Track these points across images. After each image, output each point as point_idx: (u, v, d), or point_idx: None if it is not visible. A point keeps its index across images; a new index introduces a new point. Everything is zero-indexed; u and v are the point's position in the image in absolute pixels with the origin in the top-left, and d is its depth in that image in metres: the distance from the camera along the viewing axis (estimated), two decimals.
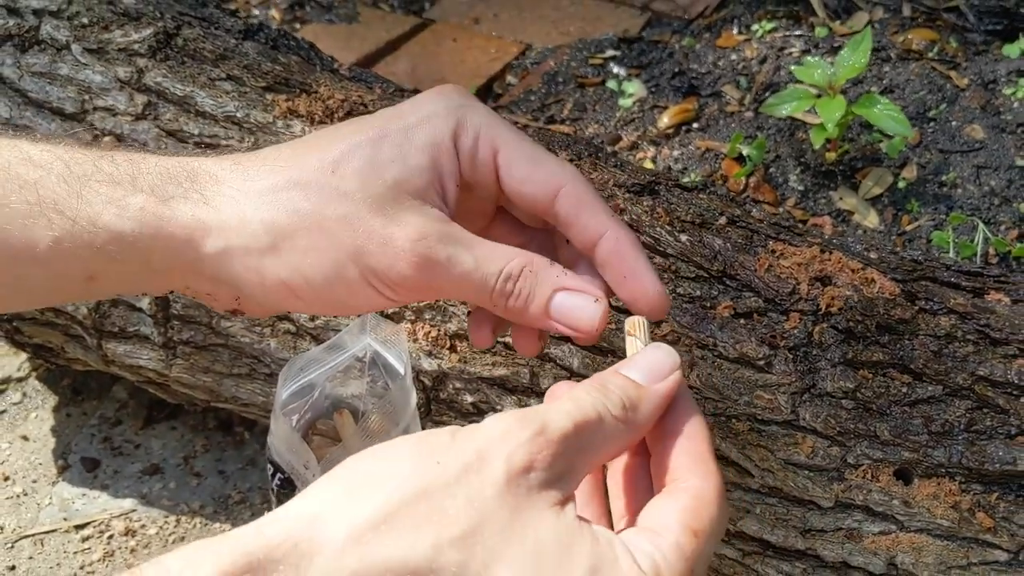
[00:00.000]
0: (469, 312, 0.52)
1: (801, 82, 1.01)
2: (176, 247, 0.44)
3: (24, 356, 0.88)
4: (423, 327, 0.62)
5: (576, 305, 0.45)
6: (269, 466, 0.60)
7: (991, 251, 0.93)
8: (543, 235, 0.50)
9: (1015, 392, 0.57)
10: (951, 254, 0.93)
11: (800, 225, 0.68)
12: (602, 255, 0.46)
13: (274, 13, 1.42)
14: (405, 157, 0.45)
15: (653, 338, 0.51)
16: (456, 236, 0.44)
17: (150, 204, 0.43)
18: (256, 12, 1.42)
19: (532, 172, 0.46)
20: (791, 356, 0.58)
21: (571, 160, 0.66)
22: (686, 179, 0.64)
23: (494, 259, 0.45)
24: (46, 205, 0.42)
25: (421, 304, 0.62)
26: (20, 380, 0.88)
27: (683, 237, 0.62)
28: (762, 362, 0.58)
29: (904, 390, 0.57)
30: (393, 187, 0.44)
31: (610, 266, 0.46)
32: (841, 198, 1.02)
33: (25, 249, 0.42)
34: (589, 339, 0.46)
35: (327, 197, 0.44)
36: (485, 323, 0.50)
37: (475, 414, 0.63)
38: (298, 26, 1.40)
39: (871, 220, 0.99)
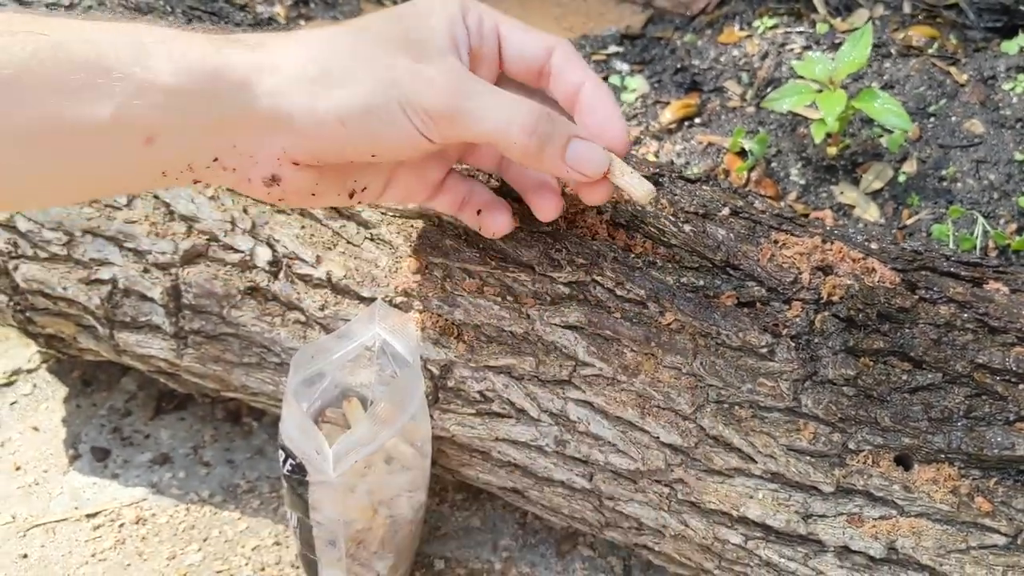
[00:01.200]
0: (479, 211, 0.60)
1: (802, 77, 1.02)
2: (233, 90, 0.47)
3: (34, 348, 0.89)
4: (431, 316, 0.63)
5: (588, 151, 0.52)
6: (280, 452, 0.61)
7: (990, 244, 0.94)
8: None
9: (1013, 379, 0.58)
10: (951, 247, 0.94)
11: (802, 217, 0.69)
12: (583, 99, 0.54)
13: (279, 8, 1.43)
14: (424, 27, 0.50)
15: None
16: (478, 82, 0.50)
17: (207, 54, 0.47)
18: (261, 8, 1.43)
19: (528, 38, 0.54)
20: (793, 344, 0.59)
21: None
22: (689, 173, 0.65)
23: (519, 103, 0.50)
24: (107, 75, 0.45)
25: (430, 294, 0.63)
26: (30, 372, 0.89)
27: (686, 227, 0.63)
28: (764, 350, 0.59)
29: (904, 377, 0.58)
30: (420, 41, 0.50)
31: (587, 106, 0.54)
32: (842, 192, 1.03)
33: (88, 121, 0.45)
34: (599, 191, 0.55)
35: (363, 43, 0.49)
36: (501, 209, 0.58)
37: (482, 402, 0.64)
38: (302, 22, 1.40)
39: (871, 214, 1.00)
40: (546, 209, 0.58)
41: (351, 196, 0.56)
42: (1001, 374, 0.58)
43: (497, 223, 0.59)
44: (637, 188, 0.54)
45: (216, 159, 0.50)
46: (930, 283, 0.61)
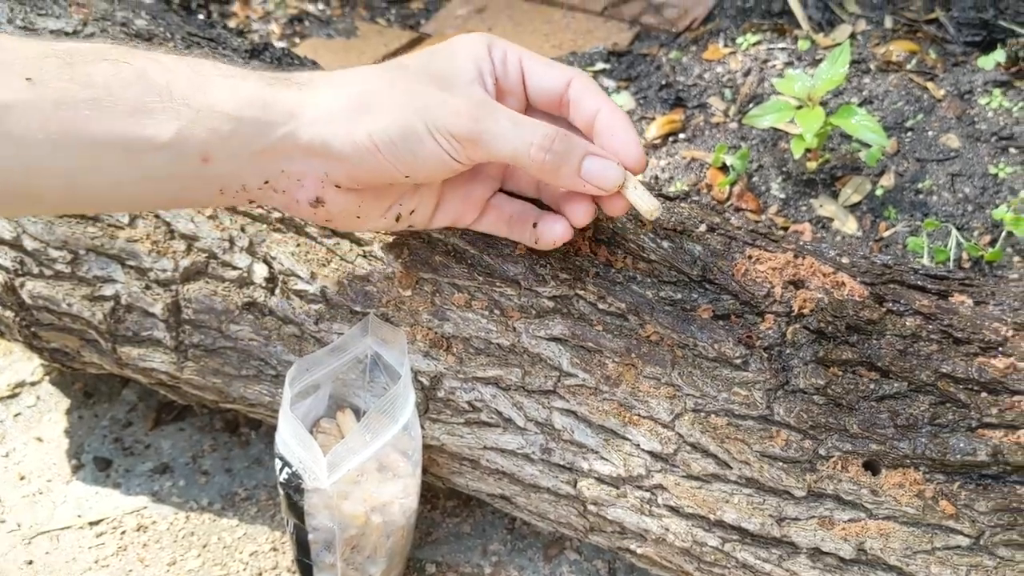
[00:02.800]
0: (535, 224, 0.63)
1: (783, 94, 1.05)
2: (281, 120, 0.54)
3: (38, 361, 0.92)
4: (421, 330, 0.66)
5: (602, 166, 0.57)
6: (277, 461, 0.64)
7: (964, 256, 0.97)
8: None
9: (976, 388, 0.61)
10: (925, 259, 0.97)
11: (776, 232, 0.72)
12: (600, 123, 0.58)
13: (274, 27, 1.46)
14: (453, 63, 0.56)
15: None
16: (500, 108, 0.55)
17: (259, 89, 0.54)
18: (256, 27, 1.46)
19: (549, 71, 0.59)
20: (766, 355, 0.62)
21: None
22: (672, 188, 0.68)
23: (536, 125, 0.55)
24: (176, 101, 0.52)
25: (421, 308, 0.66)
26: (34, 384, 0.92)
27: (665, 244, 0.66)
28: (739, 361, 0.62)
29: (872, 386, 0.61)
30: (448, 74, 0.56)
31: (604, 130, 0.58)
32: (821, 205, 1.06)
33: (155, 139, 0.52)
34: (616, 204, 0.59)
35: (398, 78, 0.55)
36: (556, 218, 0.63)
37: (471, 411, 0.67)
38: (298, 40, 1.43)
39: (850, 226, 1.03)
40: (580, 215, 0.61)
41: (397, 220, 0.61)
42: (964, 383, 0.61)
43: (555, 232, 0.63)
44: (644, 203, 0.59)
45: (267, 181, 0.56)
46: (897, 296, 0.64)
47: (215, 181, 0.55)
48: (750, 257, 0.65)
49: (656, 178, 1.10)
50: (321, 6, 1.49)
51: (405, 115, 0.54)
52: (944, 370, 0.61)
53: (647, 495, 0.65)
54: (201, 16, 1.44)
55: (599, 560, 0.79)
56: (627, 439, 0.64)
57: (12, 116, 0.49)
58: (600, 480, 0.66)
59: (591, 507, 0.67)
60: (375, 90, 0.55)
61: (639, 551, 0.68)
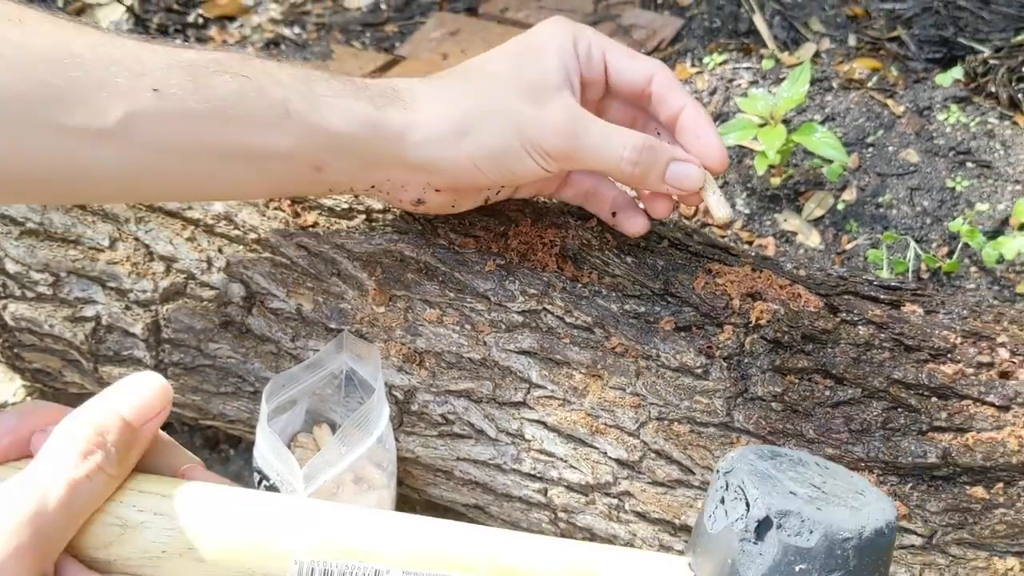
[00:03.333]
0: (614, 213, 0.69)
1: (746, 113, 1.09)
2: (389, 141, 0.59)
3: (19, 381, 0.93)
4: (394, 345, 0.68)
5: (685, 170, 0.61)
6: (255, 474, 0.65)
7: (923, 267, 1.01)
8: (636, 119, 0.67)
9: (926, 393, 0.64)
10: (885, 271, 1.00)
11: (739, 246, 0.74)
12: (684, 121, 0.62)
13: (250, 51, 1.48)
14: (543, 63, 0.60)
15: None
16: (590, 119, 0.60)
17: (369, 111, 0.58)
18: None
19: (632, 65, 0.62)
20: (725, 364, 0.65)
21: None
22: (640, 205, 0.71)
23: (623, 136, 0.60)
24: (292, 118, 0.57)
25: (394, 324, 0.68)
26: (15, 405, 0.93)
27: (628, 259, 0.69)
28: (700, 370, 0.65)
29: (827, 393, 0.64)
30: (538, 82, 0.59)
31: (689, 129, 0.62)
32: (785, 220, 1.09)
33: (274, 151, 0.57)
34: (693, 199, 0.64)
35: (491, 94, 0.59)
36: (637, 211, 0.67)
37: (444, 424, 0.69)
38: None
39: (813, 240, 1.06)
40: (660, 209, 0.66)
41: (486, 202, 0.68)
42: (915, 388, 0.64)
43: (635, 224, 0.67)
44: (718, 209, 0.63)
45: (373, 186, 0.63)
46: (851, 306, 0.67)
47: (326, 183, 0.62)
48: (710, 271, 0.68)
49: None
50: (297, 30, 1.52)
51: (503, 136, 0.59)
52: (896, 376, 0.64)
53: (615, 502, 0.67)
54: (179, 40, 1.46)
55: None
56: (595, 447, 0.66)
57: (140, 126, 0.53)
58: (570, 488, 0.68)
59: (562, 515, 0.69)
60: (471, 109, 0.59)
61: None
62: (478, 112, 0.59)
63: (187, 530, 0.42)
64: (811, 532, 0.41)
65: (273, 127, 0.56)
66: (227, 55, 0.57)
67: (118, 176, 0.55)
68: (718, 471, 0.45)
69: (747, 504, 0.42)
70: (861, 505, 0.43)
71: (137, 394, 0.45)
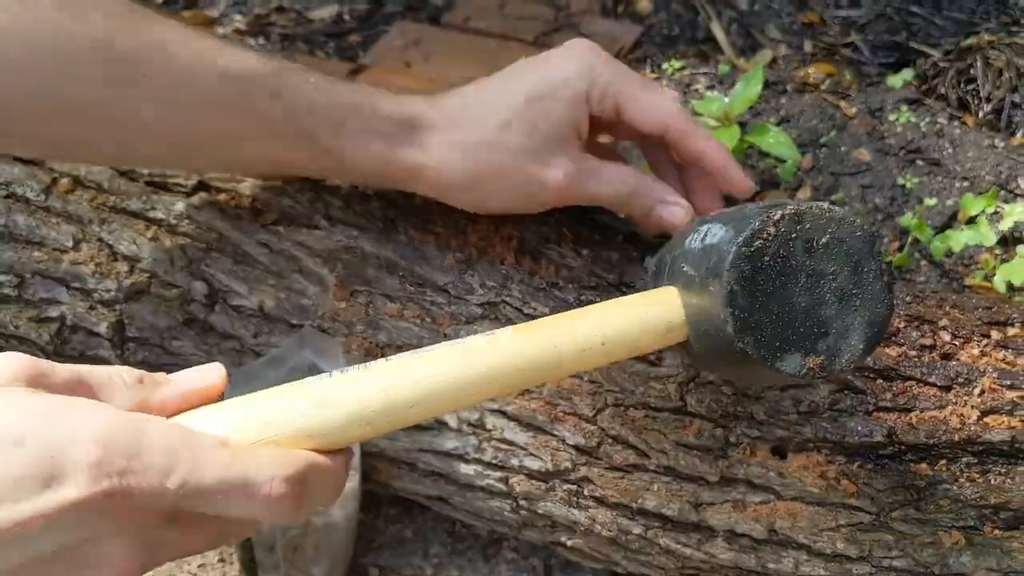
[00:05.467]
0: None
1: (702, 115, 1.11)
2: (400, 179, 0.66)
3: None
4: (356, 339, 0.70)
5: (671, 211, 0.66)
6: None
7: None
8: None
9: (871, 375, 0.66)
10: None
11: None
12: (709, 165, 0.66)
13: (288, 64, 1.49)
14: (554, 116, 0.63)
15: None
16: (588, 169, 0.65)
17: (385, 150, 0.64)
18: None
19: (644, 117, 0.65)
20: (678, 351, 0.66)
21: None
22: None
23: (614, 182, 0.66)
24: (318, 147, 0.64)
25: (354, 319, 0.70)
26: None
27: (585, 252, 0.71)
28: (654, 357, 0.66)
29: None
30: (546, 139, 0.63)
31: (718, 171, 0.67)
32: None
33: (300, 168, 0.69)
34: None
35: (501, 153, 0.63)
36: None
37: None
38: None
39: None
40: (707, 202, 0.70)
41: None
42: (860, 371, 0.66)
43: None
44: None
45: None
46: None
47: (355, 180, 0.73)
48: None
49: None
50: (262, 40, 1.53)
51: (507, 192, 0.65)
52: None
53: (574, 487, 0.69)
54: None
55: (535, 558, 0.83)
56: (554, 435, 0.68)
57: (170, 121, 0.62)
58: (530, 476, 0.69)
59: (523, 502, 0.71)
60: (484, 169, 0.64)
61: (570, 544, 0.72)
62: (488, 171, 0.64)
63: None
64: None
65: (301, 149, 0.64)
66: (264, 64, 0.62)
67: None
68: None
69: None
70: None
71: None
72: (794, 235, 0.49)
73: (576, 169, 0.64)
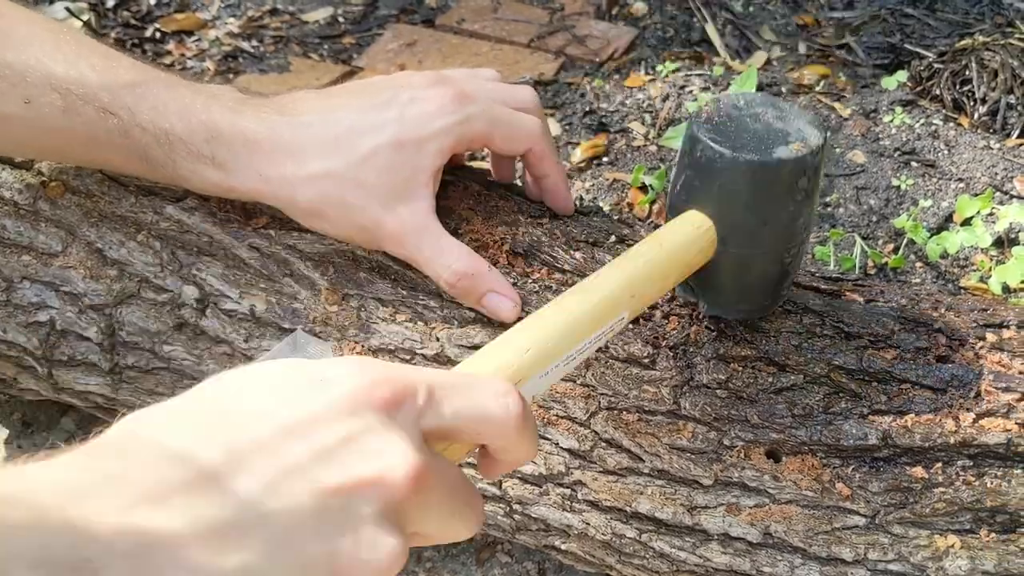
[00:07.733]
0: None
1: None
2: (245, 200, 0.69)
3: None
4: (348, 344, 0.69)
5: (501, 303, 0.66)
6: None
7: (870, 263, 1.03)
8: None
9: (866, 378, 0.66)
10: (832, 267, 1.02)
11: None
12: (547, 187, 0.72)
13: (209, 65, 1.49)
14: (415, 165, 0.64)
15: None
16: (427, 231, 0.65)
17: (220, 178, 0.65)
18: (191, 64, 1.49)
19: (510, 145, 0.68)
20: (672, 354, 0.66)
21: (481, 192, 0.74)
22: (595, 207, 0.73)
23: (450, 258, 0.65)
24: (155, 167, 0.66)
25: (346, 323, 0.69)
26: None
27: (577, 255, 0.70)
28: (647, 360, 0.66)
29: (770, 380, 0.66)
30: (399, 185, 0.64)
31: (551, 194, 0.72)
32: None
33: (133, 173, 0.71)
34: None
35: (350, 187, 0.64)
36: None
37: None
38: (231, 76, 1.47)
39: None
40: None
41: None
42: (855, 374, 0.66)
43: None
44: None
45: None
46: (793, 297, 0.69)
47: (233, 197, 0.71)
48: None
49: (581, 199, 1.14)
50: (255, 43, 1.53)
51: (347, 226, 0.66)
52: (837, 362, 0.66)
53: (568, 491, 0.68)
54: (136, 53, 1.47)
55: (529, 562, 0.82)
56: (547, 439, 0.67)
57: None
58: (524, 480, 0.69)
59: (516, 506, 0.70)
60: (328, 198, 0.64)
61: (563, 547, 0.72)
62: (331, 203, 0.65)
63: None
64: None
65: (127, 156, 0.66)
66: (114, 76, 0.63)
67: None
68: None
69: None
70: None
71: None
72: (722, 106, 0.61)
73: (415, 226, 0.65)
